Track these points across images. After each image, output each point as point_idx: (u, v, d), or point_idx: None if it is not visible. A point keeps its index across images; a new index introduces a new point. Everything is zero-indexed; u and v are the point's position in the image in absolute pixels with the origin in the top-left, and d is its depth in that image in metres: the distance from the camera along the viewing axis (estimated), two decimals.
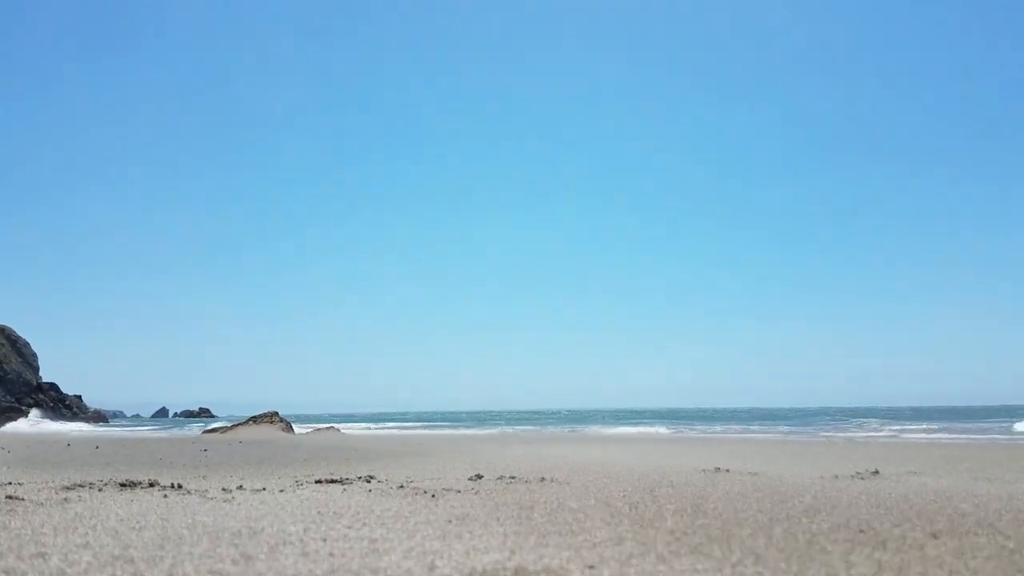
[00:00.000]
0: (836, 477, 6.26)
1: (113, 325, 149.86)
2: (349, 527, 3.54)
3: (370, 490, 5.06)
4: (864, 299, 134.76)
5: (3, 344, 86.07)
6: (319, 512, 3.92)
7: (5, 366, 79.16)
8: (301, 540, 3.24)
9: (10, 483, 5.67)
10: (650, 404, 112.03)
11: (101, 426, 53.42)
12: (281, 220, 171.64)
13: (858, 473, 6.58)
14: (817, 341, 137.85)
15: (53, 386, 76.98)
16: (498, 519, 3.82)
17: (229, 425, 34.27)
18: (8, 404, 58.96)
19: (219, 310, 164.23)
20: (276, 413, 33.43)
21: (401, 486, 5.20)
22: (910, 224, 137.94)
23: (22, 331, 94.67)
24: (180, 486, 5.07)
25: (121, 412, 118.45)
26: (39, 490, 5.09)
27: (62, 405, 71.94)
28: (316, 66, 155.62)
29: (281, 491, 4.94)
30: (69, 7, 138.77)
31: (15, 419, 51.70)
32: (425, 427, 43.58)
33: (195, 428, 41.87)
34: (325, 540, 3.27)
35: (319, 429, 33.11)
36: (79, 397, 79.00)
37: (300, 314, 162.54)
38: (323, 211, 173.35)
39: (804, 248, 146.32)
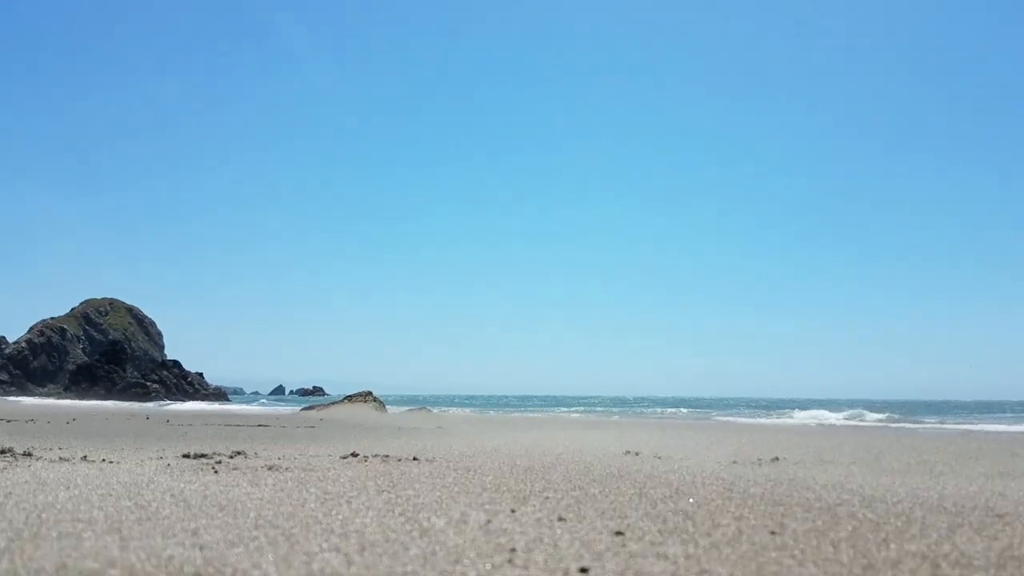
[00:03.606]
0: (734, 463, 6.61)
1: (236, 305, 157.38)
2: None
3: (215, 468, 5.26)
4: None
5: (131, 324, 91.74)
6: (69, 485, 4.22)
7: (133, 344, 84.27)
8: None
9: None
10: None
11: (211, 403, 55.67)
12: (392, 205, 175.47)
13: (759, 460, 7.07)
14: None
15: (176, 364, 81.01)
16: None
17: (326, 404, 34.80)
18: (135, 380, 62.57)
19: (337, 293, 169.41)
20: (370, 393, 33.61)
21: (270, 467, 5.46)
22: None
23: (149, 311, 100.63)
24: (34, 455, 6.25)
25: (241, 389, 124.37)
26: None
27: (184, 382, 75.71)
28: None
29: (115, 463, 5.63)
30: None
31: (140, 398, 54.64)
32: (520, 411, 43.17)
33: (298, 406, 42.85)
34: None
35: (411, 410, 33.20)
36: (201, 375, 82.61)
37: (428, 301, 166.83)
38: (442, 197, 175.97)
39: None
